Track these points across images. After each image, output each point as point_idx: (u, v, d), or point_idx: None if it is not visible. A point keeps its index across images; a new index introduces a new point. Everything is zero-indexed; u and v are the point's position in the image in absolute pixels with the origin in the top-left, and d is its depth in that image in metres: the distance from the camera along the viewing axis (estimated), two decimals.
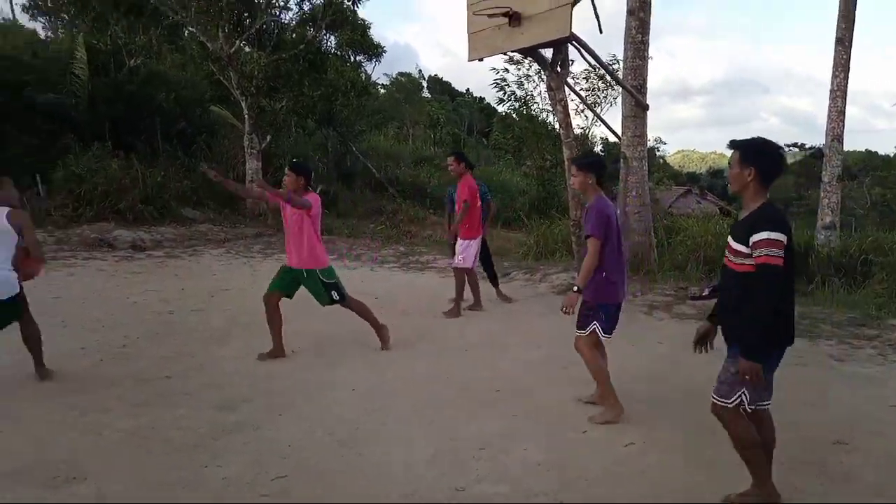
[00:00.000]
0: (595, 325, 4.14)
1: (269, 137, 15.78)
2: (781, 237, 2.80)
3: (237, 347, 5.81)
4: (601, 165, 4.30)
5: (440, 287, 8.81)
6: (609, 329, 4.19)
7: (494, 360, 5.54)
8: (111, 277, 8.91)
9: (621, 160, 9.77)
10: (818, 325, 6.70)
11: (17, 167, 12.70)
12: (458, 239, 7.16)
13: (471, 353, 5.70)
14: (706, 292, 8.04)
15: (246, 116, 15.06)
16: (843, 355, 5.79)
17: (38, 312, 6.70)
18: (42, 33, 22.28)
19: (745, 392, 2.94)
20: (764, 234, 2.80)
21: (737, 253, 2.95)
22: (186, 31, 18.83)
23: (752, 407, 2.99)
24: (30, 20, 24.26)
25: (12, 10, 33.29)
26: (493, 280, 8.08)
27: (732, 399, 2.97)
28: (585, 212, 4.22)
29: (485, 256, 7.76)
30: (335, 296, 5.56)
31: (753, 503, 3.07)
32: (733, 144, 3.08)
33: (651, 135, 19.37)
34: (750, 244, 2.84)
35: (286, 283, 5.56)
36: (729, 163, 3.09)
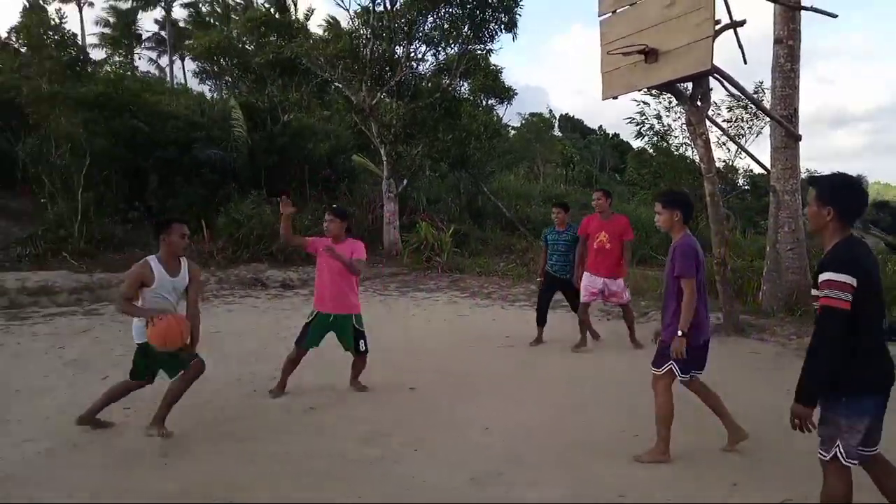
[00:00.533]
0: (671, 365, 4.01)
1: (405, 181, 16.47)
2: (847, 279, 2.63)
3: (374, 382, 6.00)
4: (687, 203, 4.22)
5: (571, 323, 8.65)
6: (686, 370, 4.04)
7: (633, 402, 5.32)
8: (263, 314, 9.60)
9: (770, 194, 9.18)
10: None
11: (185, 214, 14.20)
12: (615, 279, 7.18)
13: (608, 392, 5.51)
14: None
15: (384, 162, 15.85)
16: None
17: (199, 346, 7.41)
18: (209, 95, 24.95)
19: (839, 445, 2.71)
20: (827, 276, 2.67)
21: (815, 297, 2.78)
22: (333, 87, 20.27)
23: (853, 462, 2.74)
24: (199, 84, 27.31)
25: (184, 76, 37.66)
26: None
27: (829, 453, 2.76)
28: (672, 251, 4.10)
29: (570, 296, 7.61)
30: (362, 346, 5.60)
31: None
32: (811, 181, 3.02)
33: (804, 165, 17.98)
34: (818, 285, 2.71)
35: (319, 336, 5.62)
36: (807, 200, 2.91)
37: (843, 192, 2.79)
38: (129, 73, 30.23)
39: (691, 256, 4.00)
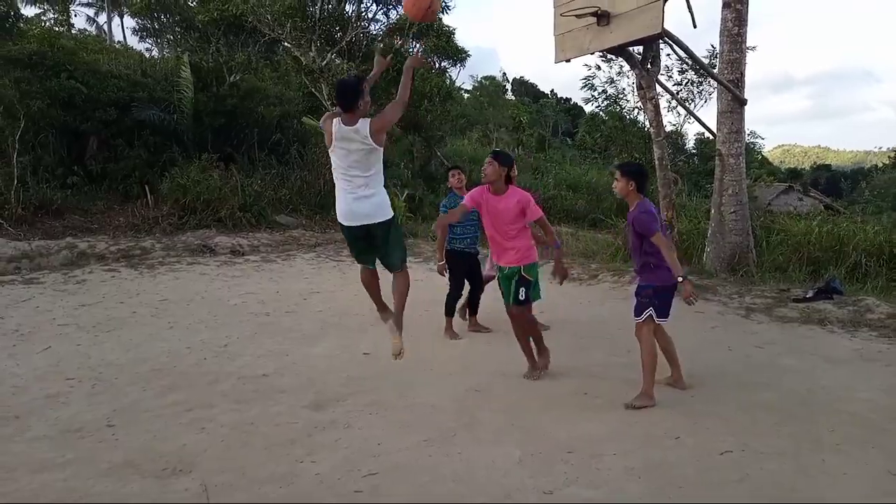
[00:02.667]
0: (650, 311, 4.49)
1: None
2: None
3: (328, 347, 6.00)
4: (642, 174, 4.62)
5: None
6: (664, 313, 4.53)
7: (582, 362, 5.45)
8: (213, 281, 9.42)
9: (716, 158, 9.39)
10: None
11: (127, 179, 13.70)
12: None
13: (558, 358, 5.62)
14: (810, 294, 7.69)
15: None
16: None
17: (147, 314, 7.26)
18: (149, 54, 23.87)
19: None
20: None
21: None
22: (281, 47, 19.67)
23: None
24: (139, 42, 26.13)
25: (123, 34, 35.95)
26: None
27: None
28: (635, 216, 4.48)
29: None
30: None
31: None
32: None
33: (748, 129, 18.45)
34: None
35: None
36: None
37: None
38: (64, 30, 28.70)
39: (654, 216, 4.44)
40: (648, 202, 4.55)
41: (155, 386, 4.88)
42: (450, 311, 6.49)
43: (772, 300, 7.47)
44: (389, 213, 4.24)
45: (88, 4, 39.55)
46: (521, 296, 5.00)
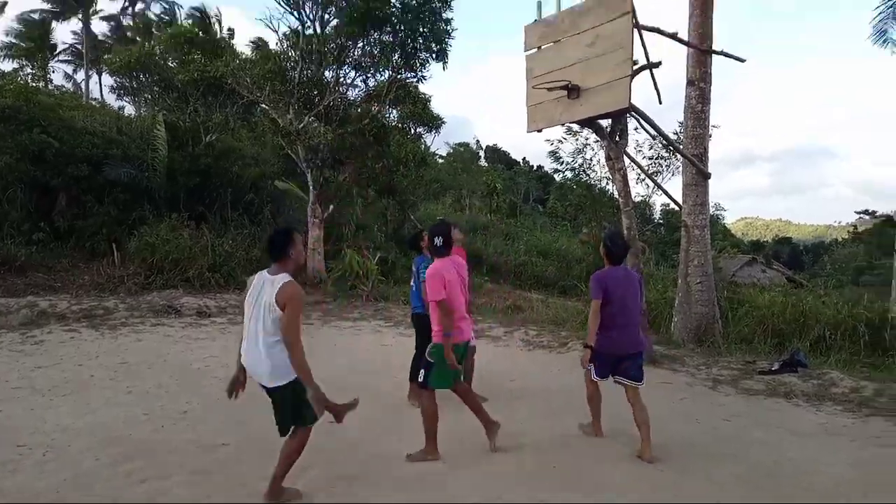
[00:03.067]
0: (591, 367, 5.02)
1: (331, 207, 16.29)
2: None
3: None
4: (607, 246, 5.05)
5: (497, 356, 8.73)
6: (600, 374, 5.03)
7: (549, 433, 5.39)
8: (176, 343, 9.19)
9: (682, 229, 9.62)
10: None
11: (95, 236, 13.50)
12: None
13: (528, 428, 5.55)
14: (775, 367, 7.77)
15: (311, 187, 15.64)
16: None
17: (105, 378, 7.02)
18: (126, 112, 23.99)
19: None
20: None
21: None
22: (259, 109, 19.94)
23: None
24: (117, 100, 26.25)
25: (101, 91, 36.16)
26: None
27: None
28: None
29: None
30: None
31: None
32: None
33: (713, 202, 19.04)
34: None
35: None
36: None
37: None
38: (41, 85, 28.77)
39: (595, 282, 4.96)
40: (608, 271, 5.01)
41: (110, 454, 4.68)
42: (415, 377, 6.37)
43: (738, 372, 7.54)
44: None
45: (67, 61, 39.92)
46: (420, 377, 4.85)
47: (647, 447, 4.78)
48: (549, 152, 20.32)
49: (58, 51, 39.09)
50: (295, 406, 3.90)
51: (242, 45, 31.58)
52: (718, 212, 36.42)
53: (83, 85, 37.74)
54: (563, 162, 20.05)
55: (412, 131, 22.71)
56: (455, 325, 4.72)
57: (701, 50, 9.15)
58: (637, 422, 4.87)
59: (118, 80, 24.39)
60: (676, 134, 15.89)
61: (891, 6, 12.53)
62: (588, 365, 4.98)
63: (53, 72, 38.25)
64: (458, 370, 4.79)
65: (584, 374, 5.13)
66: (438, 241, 4.84)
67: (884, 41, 13.00)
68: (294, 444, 3.98)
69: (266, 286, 3.88)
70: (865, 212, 45.34)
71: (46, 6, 36.25)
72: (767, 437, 5.37)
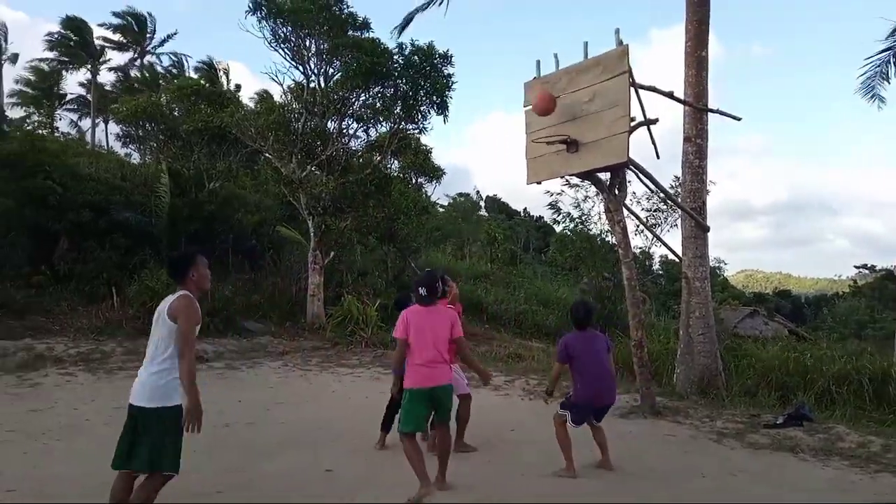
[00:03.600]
0: (566, 413, 5.58)
1: (332, 253, 16.35)
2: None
3: (289, 462, 5.74)
4: (573, 313, 5.81)
5: (498, 405, 8.62)
6: (576, 421, 5.56)
7: (546, 487, 5.27)
8: None
9: (682, 281, 9.63)
10: None
11: (95, 280, 13.50)
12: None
13: (528, 479, 5.45)
14: (780, 420, 7.67)
15: (312, 234, 15.72)
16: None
17: (100, 422, 6.90)
18: (131, 160, 24.30)
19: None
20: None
21: None
22: (262, 158, 20.21)
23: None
24: (122, 147, 26.63)
25: (107, 139, 36.74)
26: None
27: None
28: None
29: None
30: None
31: None
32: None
33: (712, 254, 19.18)
34: None
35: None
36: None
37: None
38: (47, 132, 29.23)
39: (560, 346, 5.72)
40: (573, 335, 5.70)
41: (104, 501, 4.56)
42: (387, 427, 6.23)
43: (743, 425, 7.43)
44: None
45: (73, 109, 40.70)
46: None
47: (606, 459, 5.70)
48: (549, 204, 20.53)
49: (65, 99, 39.94)
50: (156, 439, 3.65)
51: (247, 98, 32.30)
52: (719, 264, 36.57)
53: (89, 133, 38.41)
54: (562, 213, 20.24)
55: (413, 181, 22.97)
56: (415, 368, 4.83)
57: (696, 108, 9.35)
58: (597, 441, 5.74)
59: (124, 128, 24.80)
60: (673, 187, 16.09)
61: (878, 65, 12.86)
62: (563, 412, 5.59)
63: (60, 119, 38.98)
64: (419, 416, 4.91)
65: (554, 420, 5.63)
66: (422, 291, 4.98)
67: (872, 96, 13.29)
68: (142, 493, 3.70)
69: (163, 306, 3.82)
70: (865, 266, 45.55)
71: (55, 55, 37.19)
72: (776, 494, 5.25)
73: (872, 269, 43.67)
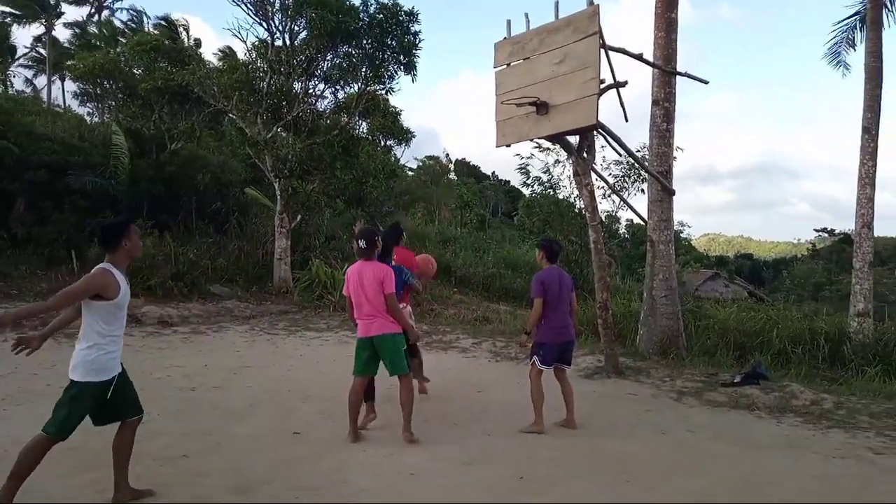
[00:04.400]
0: (535, 358, 5.78)
1: (299, 217, 16.15)
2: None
3: (256, 425, 5.74)
4: (546, 247, 5.98)
5: (465, 367, 8.72)
6: (546, 362, 5.76)
7: (515, 445, 5.38)
8: (137, 353, 8.96)
9: (647, 244, 9.77)
10: (855, 416, 6.44)
11: (54, 243, 13.14)
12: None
13: (493, 438, 5.55)
14: (737, 379, 7.90)
15: (278, 197, 15.48)
16: (883, 448, 5.52)
17: (62, 387, 6.79)
18: (89, 119, 23.46)
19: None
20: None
21: None
22: (226, 118, 19.71)
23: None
24: (80, 106, 25.69)
25: (63, 97, 35.41)
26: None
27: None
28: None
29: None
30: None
31: None
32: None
33: (677, 218, 19.45)
34: None
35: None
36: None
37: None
38: (0, 90, 28.02)
39: (538, 282, 5.75)
40: (546, 271, 5.83)
41: (65, 466, 4.52)
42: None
43: (702, 384, 7.65)
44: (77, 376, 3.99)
45: (27, 66, 39.03)
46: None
47: (571, 418, 5.86)
48: (518, 167, 20.48)
49: (17, 55, 38.25)
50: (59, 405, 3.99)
51: (210, 54, 31.31)
52: (683, 228, 37.15)
53: (45, 91, 36.93)
54: (531, 177, 20.23)
55: (382, 143, 22.70)
56: (359, 321, 5.36)
57: (665, 71, 9.35)
58: (564, 395, 5.90)
59: (81, 86, 23.90)
60: (640, 150, 16.19)
61: (844, 31, 12.99)
62: (534, 357, 5.78)
63: (14, 76, 37.36)
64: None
65: (530, 372, 5.84)
66: (361, 243, 5.36)
67: (837, 63, 13.48)
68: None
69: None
70: (824, 230, 46.74)
71: (6, 9, 35.47)
72: (732, 450, 5.44)
73: (831, 232, 44.84)
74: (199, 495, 4.09)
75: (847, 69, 13.61)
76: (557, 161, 19.20)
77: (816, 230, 49.08)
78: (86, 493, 4.07)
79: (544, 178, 19.96)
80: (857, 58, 12.50)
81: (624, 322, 10.33)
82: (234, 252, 15.45)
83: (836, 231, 43.37)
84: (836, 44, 13.27)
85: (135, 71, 21.24)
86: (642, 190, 19.34)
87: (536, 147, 18.89)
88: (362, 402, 5.55)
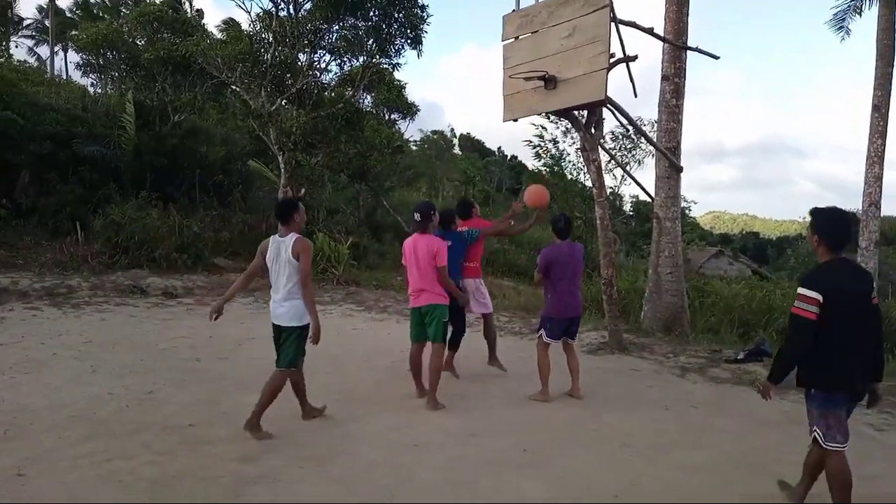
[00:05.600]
0: (542, 332, 5.84)
1: (303, 190, 16.11)
2: (809, 293, 3.26)
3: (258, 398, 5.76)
4: (554, 223, 5.91)
5: (469, 341, 8.74)
6: (553, 335, 5.81)
7: (519, 418, 5.41)
8: (142, 323, 9.02)
9: (654, 221, 9.72)
10: None
11: (58, 214, 13.16)
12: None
13: (497, 410, 5.58)
14: (741, 356, 7.89)
15: (282, 170, 15.44)
16: (884, 425, 5.54)
17: (68, 356, 6.86)
18: (92, 90, 23.30)
19: (818, 430, 3.38)
20: (798, 290, 3.35)
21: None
22: (230, 90, 19.57)
23: (827, 445, 3.34)
24: (82, 77, 25.48)
25: (66, 68, 35.15)
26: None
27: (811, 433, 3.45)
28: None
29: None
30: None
31: None
32: (811, 211, 3.51)
33: (684, 195, 19.39)
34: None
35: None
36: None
37: (829, 222, 3.42)
38: (3, 60, 27.77)
39: (543, 257, 5.74)
40: (553, 248, 5.77)
41: (72, 434, 4.57)
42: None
43: (705, 360, 7.66)
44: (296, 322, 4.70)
45: (31, 36, 38.71)
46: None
47: (576, 387, 5.93)
48: (531, 138, 20.19)
49: (22, 25, 37.93)
50: (289, 347, 4.76)
51: (213, 26, 30.94)
52: (688, 205, 36.96)
53: (48, 61, 36.67)
54: (543, 149, 20.02)
55: (386, 117, 22.54)
56: (408, 293, 5.73)
57: (676, 45, 9.22)
58: (570, 366, 5.95)
59: (84, 56, 23.69)
60: (648, 126, 16.06)
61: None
62: (542, 331, 5.85)
63: (17, 46, 37.11)
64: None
65: (537, 344, 5.91)
66: (416, 216, 5.64)
67: (839, 28, 13.31)
68: (274, 377, 4.77)
69: (281, 246, 4.63)
70: None
71: None
72: (733, 425, 5.46)
73: None
74: (205, 464, 4.12)
75: (847, 34, 13.48)
76: (566, 133, 19.01)
77: None
78: (94, 459, 4.10)
79: (553, 150, 19.77)
80: (862, 28, 12.39)
81: (628, 298, 10.33)
82: (238, 225, 15.46)
83: None
84: (842, 10, 13.11)
85: (137, 42, 21.05)
86: (640, 162, 19.27)
87: (546, 119, 18.70)
88: (421, 364, 5.78)
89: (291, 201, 4.93)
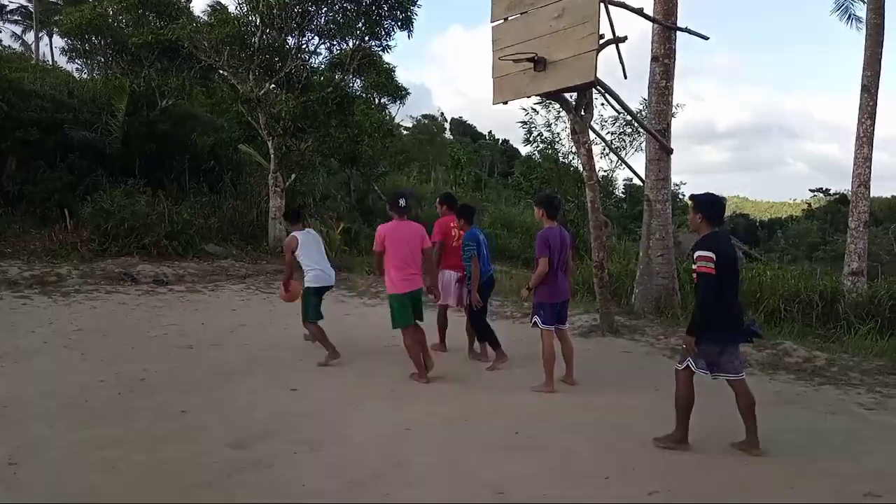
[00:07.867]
0: (536, 318, 5.77)
1: (293, 176, 16.02)
2: (707, 253, 4.09)
3: (254, 382, 5.78)
4: (546, 203, 5.92)
5: (461, 325, 8.75)
6: (547, 321, 5.73)
7: (512, 400, 5.44)
8: (132, 311, 8.99)
9: (644, 203, 9.73)
10: (847, 373, 6.51)
11: (46, 202, 13.04)
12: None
13: (489, 394, 5.61)
14: None
15: (272, 156, 15.32)
16: (874, 404, 5.60)
17: (59, 344, 6.83)
18: (77, 75, 23.00)
19: (691, 361, 4.29)
20: (696, 253, 4.14)
21: (693, 269, 4.27)
22: (217, 74, 19.35)
23: (704, 373, 4.32)
24: (67, 62, 25.12)
25: (51, 53, 34.66)
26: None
27: (682, 364, 4.37)
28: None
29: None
30: None
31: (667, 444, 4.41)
32: (691, 197, 4.52)
33: (674, 178, 19.37)
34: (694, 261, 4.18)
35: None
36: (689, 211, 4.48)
37: (708, 205, 4.34)
38: None
39: (543, 240, 5.65)
40: (548, 230, 5.73)
41: (64, 422, 4.56)
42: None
43: None
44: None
45: (15, 21, 38.07)
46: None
47: (570, 374, 5.97)
48: (521, 121, 20.02)
49: (5, 10, 37.31)
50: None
51: (199, 11, 30.52)
52: (679, 187, 36.98)
53: (33, 46, 36.12)
54: (534, 134, 19.86)
55: (377, 101, 22.36)
56: (399, 277, 5.84)
57: (666, 26, 9.17)
58: (564, 353, 5.94)
59: (69, 42, 23.34)
60: (640, 109, 15.98)
61: None
62: (534, 318, 5.81)
63: (1, 32, 36.54)
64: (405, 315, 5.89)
65: (542, 336, 5.79)
66: (402, 202, 5.92)
67: (848, 17, 13.18)
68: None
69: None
70: (820, 190, 46.62)
71: None
72: (724, 406, 5.50)
73: (827, 192, 44.69)
74: (198, 451, 4.12)
75: (860, 23, 13.23)
76: (559, 116, 18.87)
77: (812, 190, 48.98)
78: (86, 447, 4.10)
79: (546, 133, 19.64)
80: (862, 12, 12.21)
81: (619, 281, 10.35)
82: (229, 211, 15.39)
83: (832, 191, 43.27)
84: None
85: (123, 26, 20.74)
86: (640, 149, 19.16)
87: (539, 103, 18.57)
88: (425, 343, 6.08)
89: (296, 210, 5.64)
